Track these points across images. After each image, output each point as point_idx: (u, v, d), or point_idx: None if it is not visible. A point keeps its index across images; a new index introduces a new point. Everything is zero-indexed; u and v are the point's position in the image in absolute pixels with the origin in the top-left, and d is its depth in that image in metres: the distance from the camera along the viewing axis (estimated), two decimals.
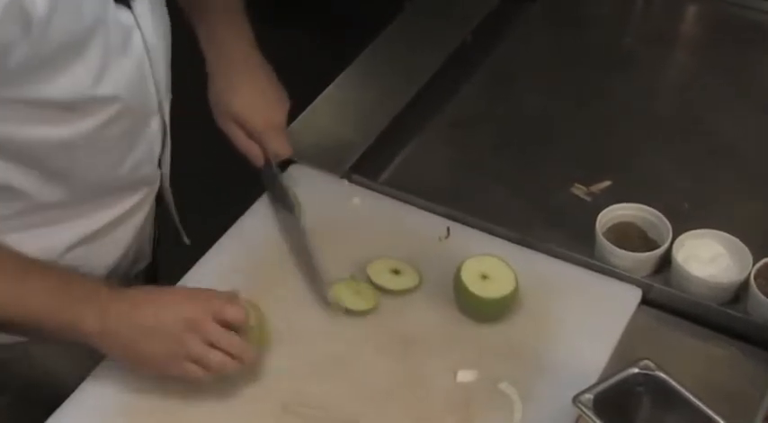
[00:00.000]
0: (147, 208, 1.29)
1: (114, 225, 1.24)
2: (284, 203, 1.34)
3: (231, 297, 1.13)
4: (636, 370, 1.07)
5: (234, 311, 1.11)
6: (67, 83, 1.04)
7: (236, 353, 1.10)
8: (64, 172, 1.13)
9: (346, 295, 1.24)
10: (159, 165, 1.26)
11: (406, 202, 1.38)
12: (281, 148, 1.33)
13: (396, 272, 1.27)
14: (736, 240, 1.28)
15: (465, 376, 1.17)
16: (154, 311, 1.09)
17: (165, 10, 1.19)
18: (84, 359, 1.22)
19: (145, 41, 1.13)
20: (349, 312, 1.23)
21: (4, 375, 1.27)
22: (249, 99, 1.33)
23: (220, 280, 1.23)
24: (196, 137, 1.57)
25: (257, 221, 1.36)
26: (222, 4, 1.36)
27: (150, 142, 1.22)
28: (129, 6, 1.10)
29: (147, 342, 1.09)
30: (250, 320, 1.12)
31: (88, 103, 1.08)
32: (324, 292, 1.24)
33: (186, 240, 1.39)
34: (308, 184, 1.40)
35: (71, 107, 1.07)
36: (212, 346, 1.09)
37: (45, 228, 1.16)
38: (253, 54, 1.36)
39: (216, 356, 1.09)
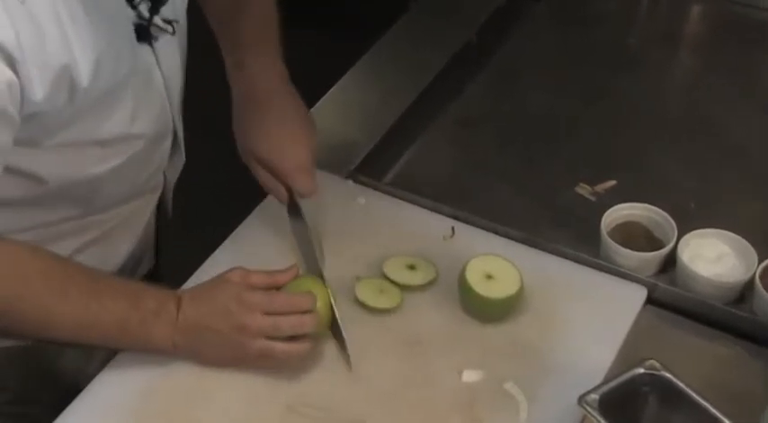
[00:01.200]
0: (148, 213, 1.30)
1: (117, 229, 1.25)
2: (304, 247, 1.30)
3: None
4: (641, 370, 1.07)
5: (258, 276, 1.15)
6: (109, 126, 1.09)
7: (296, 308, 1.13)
8: (85, 199, 1.17)
9: (370, 294, 1.23)
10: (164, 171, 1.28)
11: (410, 201, 1.38)
12: (306, 188, 1.26)
13: (412, 267, 1.26)
14: (742, 240, 1.27)
15: (470, 376, 1.17)
16: (209, 307, 1.13)
17: (185, 41, 1.21)
18: (86, 358, 1.23)
19: (164, 77, 1.15)
20: (372, 311, 1.23)
21: (4, 373, 1.27)
22: (277, 142, 1.25)
23: None
24: (201, 145, 1.56)
25: (254, 230, 1.35)
26: (255, 34, 1.30)
27: (162, 158, 1.24)
28: (150, 44, 1.11)
29: (212, 348, 1.13)
30: (316, 302, 1.14)
31: (123, 140, 1.13)
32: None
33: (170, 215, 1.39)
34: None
35: (109, 146, 1.11)
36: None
37: (52, 242, 1.16)
38: (283, 89, 1.29)
39: (283, 321, 1.11)
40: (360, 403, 1.14)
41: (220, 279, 1.16)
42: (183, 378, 1.16)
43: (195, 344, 1.13)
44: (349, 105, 1.56)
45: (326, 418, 1.12)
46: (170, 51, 1.15)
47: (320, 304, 1.15)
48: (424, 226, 1.34)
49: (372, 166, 1.44)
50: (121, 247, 1.28)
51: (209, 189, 2.22)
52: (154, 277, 1.39)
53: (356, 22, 2.19)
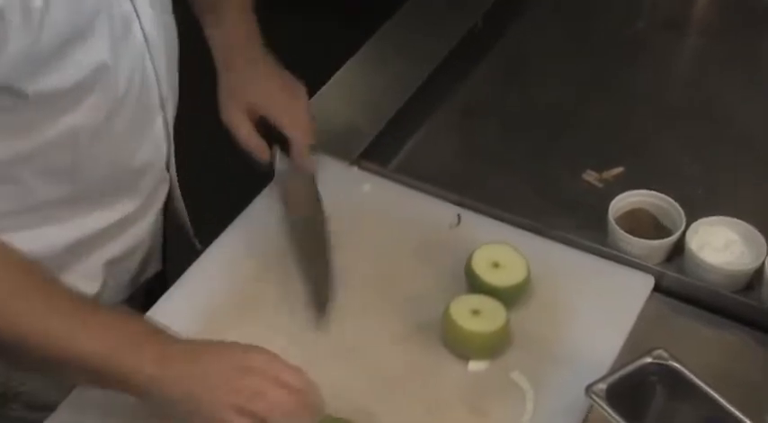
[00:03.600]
0: (153, 213, 1.28)
1: (118, 228, 1.23)
2: (291, 201, 1.30)
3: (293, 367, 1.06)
4: (649, 360, 1.06)
5: (292, 376, 1.03)
6: (73, 72, 1.04)
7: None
8: (68, 167, 1.12)
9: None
10: (168, 168, 1.26)
11: (416, 188, 1.37)
12: (309, 140, 1.28)
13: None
14: (751, 227, 1.27)
15: (477, 366, 1.16)
16: (212, 360, 1.03)
17: (168, 10, 1.19)
18: None
19: (144, 32, 1.12)
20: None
21: (15, 385, 1.26)
22: (267, 88, 1.31)
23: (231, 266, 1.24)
24: (205, 142, 1.55)
25: (262, 214, 1.34)
26: (237, 2, 1.34)
27: (155, 143, 1.21)
28: None
29: (205, 391, 1.01)
30: None
31: (91, 91, 1.08)
32: (324, 299, 1.21)
33: (198, 246, 1.37)
34: (318, 171, 1.38)
35: (77, 95, 1.07)
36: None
37: (44, 226, 1.14)
38: (267, 55, 1.35)
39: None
40: (366, 392, 1.13)
41: (241, 359, 1.05)
42: None
43: (186, 382, 1.01)
44: (354, 91, 1.55)
45: (333, 407, 1.11)
46: (149, 8, 1.11)
47: None
48: (429, 213, 1.33)
49: (377, 153, 1.43)
50: (124, 248, 1.25)
51: (217, 192, 2.20)
52: (160, 281, 1.38)
53: (361, 8, 2.18)
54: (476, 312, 1.16)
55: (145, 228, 1.27)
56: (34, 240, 1.10)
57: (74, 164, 1.12)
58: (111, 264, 1.25)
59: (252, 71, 1.33)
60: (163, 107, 1.20)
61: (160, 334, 1.05)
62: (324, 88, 1.53)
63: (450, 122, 1.53)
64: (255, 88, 1.32)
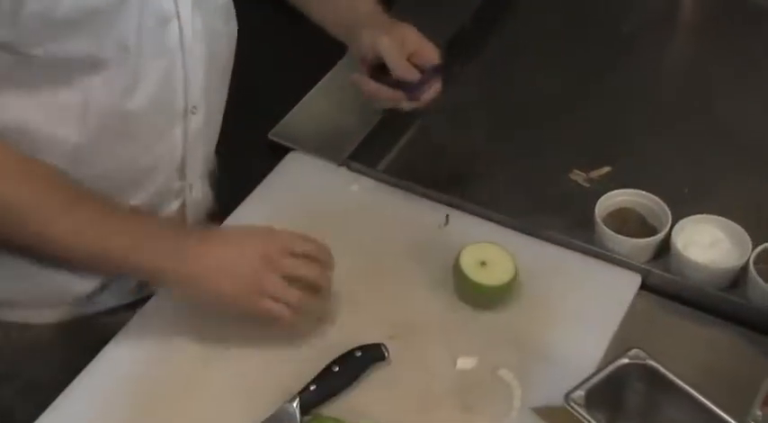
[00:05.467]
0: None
1: None
2: None
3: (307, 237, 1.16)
4: (626, 360, 1.07)
5: (308, 244, 1.13)
6: (88, 44, 1.05)
7: (313, 281, 1.12)
8: (73, 144, 1.11)
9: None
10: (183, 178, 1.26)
11: (404, 189, 1.38)
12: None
13: (483, 264, 1.22)
14: (736, 225, 1.28)
15: (465, 363, 1.17)
16: (234, 250, 1.10)
17: (227, 21, 1.19)
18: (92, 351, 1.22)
19: (181, 34, 1.12)
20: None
21: (15, 363, 1.27)
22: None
23: None
24: None
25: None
26: None
27: (169, 149, 1.20)
28: None
29: (228, 282, 1.09)
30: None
31: (107, 67, 1.08)
32: None
33: None
34: (306, 172, 1.40)
35: (92, 64, 1.07)
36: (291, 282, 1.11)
37: None
38: None
39: (294, 293, 1.10)
40: (355, 390, 1.14)
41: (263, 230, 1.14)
42: (179, 366, 1.16)
43: (209, 275, 1.10)
44: (342, 93, 1.55)
45: (322, 407, 1.13)
46: (192, 9, 1.11)
47: None
48: (418, 213, 1.34)
49: (366, 154, 1.44)
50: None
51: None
52: None
53: None
54: (484, 264, 1.20)
55: None
56: None
57: (78, 144, 1.12)
58: None
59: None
60: (185, 117, 1.18)
61: (184, 232, 1.10)
62: (313, 90, 1.53)
63: (438, 123, 1.54)
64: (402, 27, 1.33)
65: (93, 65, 1.07)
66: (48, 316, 1.27)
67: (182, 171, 1.24)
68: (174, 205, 1.27)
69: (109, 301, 1.28)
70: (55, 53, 1.04)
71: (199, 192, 1.29)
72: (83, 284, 1.24)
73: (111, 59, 1.07)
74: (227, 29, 1.22)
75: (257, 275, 1.10)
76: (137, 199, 1.21)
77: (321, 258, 1.16)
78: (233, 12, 1.22)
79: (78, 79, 1.07)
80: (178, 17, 1.11)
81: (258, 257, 1.11)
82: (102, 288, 1.26)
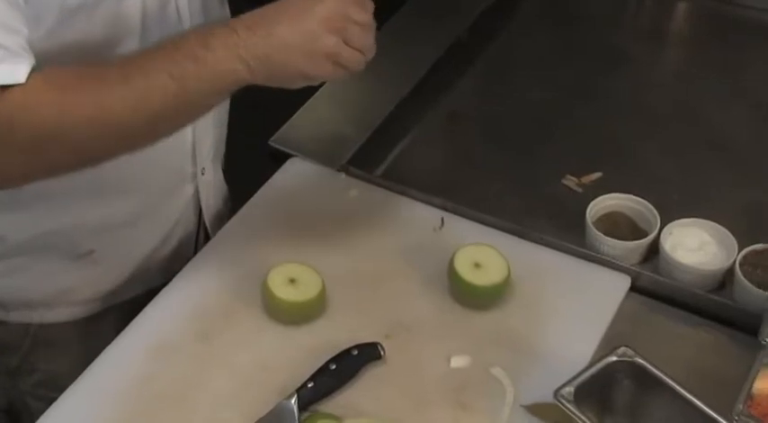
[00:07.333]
0: (180, 203, 1.30)
1: (141, 217, 1.25)
2: None
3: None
4: (614, 358, 1.09)
5: (360, 13, 1.07)
6: (98, 20, 1.05)
7: (366, 50, 1.07)
8: None
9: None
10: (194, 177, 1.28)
11: (401, 193, 1.40)
12: None
13: (477, 265, 1.24)
14: (723, 229, 1.30)
15: (458, 362, 1.19)
16: (286, 28, 1.04)
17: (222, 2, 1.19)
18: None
19: (178, 10, 1.13)
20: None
21: (33, 357, 1.30)
22: None
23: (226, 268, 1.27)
24: None
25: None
26: None
27: (182, 133, 1.19)
28: None
29: (287, 53, 1.04)
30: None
31: (117, 45, 1.08)
32: None
33: None
34: (305, 178, 1.43)
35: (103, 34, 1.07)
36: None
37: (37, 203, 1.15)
38: None
39: (353, 53, 1.06)
40: (349, 389, 1.16)
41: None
42: (180, 364, 1.18)
43: (271, 53, 1.04)
44: (341, 99, 1.58)
45: (319, 405, 1.15)
46: None
47: None
48: (414, 217, 1.37)
49: (364, 160, 1.46)
50: (152, 236, 1.27)
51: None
52: None
53: None
54: (478, 265, 1.22)
55: (168, 216, 1.30)
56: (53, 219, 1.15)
57: None
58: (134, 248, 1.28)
59: None
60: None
61: (225, 26, 1.04)
62: (312, 98, 1.56)
63: (435, 130, 1.57)
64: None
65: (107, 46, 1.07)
66: (65, 314, 1.30)
67: (192, 154, 1.26)
68: (189, 190, 1.29)
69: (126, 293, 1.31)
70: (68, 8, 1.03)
71: (210, 175, 1.31)
72: (100, 282, 1.26)
73: (121, 35, 1.08)
74: (221, 10, 1.22)
75: (318, 37, 1.04)
76: (150, 183, 1.23)
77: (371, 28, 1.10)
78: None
79: (83, 29, 1.07)
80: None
81: (319, 20, 1.05)
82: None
